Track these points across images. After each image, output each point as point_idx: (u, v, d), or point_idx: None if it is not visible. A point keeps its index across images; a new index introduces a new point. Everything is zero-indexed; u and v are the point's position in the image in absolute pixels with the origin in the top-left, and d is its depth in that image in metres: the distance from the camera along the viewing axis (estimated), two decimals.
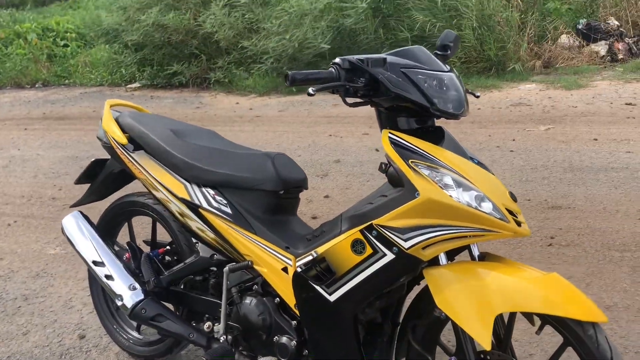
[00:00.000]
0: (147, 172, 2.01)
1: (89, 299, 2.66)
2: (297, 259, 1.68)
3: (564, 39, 8.05)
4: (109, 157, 2.23)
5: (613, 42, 7.85)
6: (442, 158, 1.48)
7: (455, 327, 1.49)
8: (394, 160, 1.51)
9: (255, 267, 1.80)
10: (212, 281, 2.00)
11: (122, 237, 2.40)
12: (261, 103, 7.47)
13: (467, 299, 1.41)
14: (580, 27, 8.12)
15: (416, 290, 1.65)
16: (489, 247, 2.62)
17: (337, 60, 1.49)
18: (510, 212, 1.45)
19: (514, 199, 1.50)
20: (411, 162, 1.47)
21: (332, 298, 1.59)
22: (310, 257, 1.62)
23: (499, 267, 1.46)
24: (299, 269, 1.65)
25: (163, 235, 2.26)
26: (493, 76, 7.38)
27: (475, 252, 1.54)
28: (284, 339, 1.74)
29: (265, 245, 1.77)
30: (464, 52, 7.51)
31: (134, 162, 2.05)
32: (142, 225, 2.96)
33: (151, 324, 2.03)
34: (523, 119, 5.65)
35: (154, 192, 2.02)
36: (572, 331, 1.36)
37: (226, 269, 1.81)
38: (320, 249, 1.60)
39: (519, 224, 1.46)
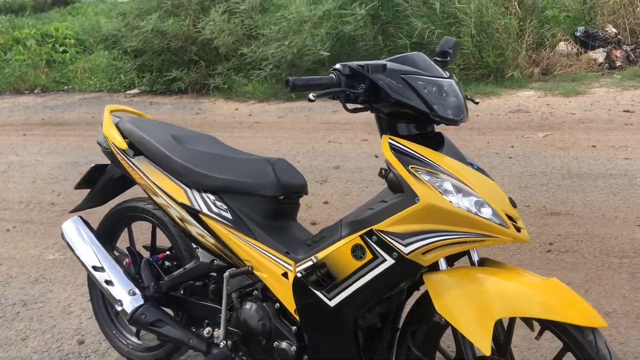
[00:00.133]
0: (147, 177, 2.01)
1: (88, 304, 2.66)
2: (297, 265, 1.68)
3: (562, 46, 8.09)
4: (109, 162, 2.23)
5: (611, 50, 7.90)
6: (441, 164, 1.48)
7: (455, 332, 1.49)
8: (394, 166, 1.51)
9: (255, 272, 1.80)
10: (212, 286, 2.00)
11: (122, 242, 2.40)
12: (260, 109, 7.48)
13: (467, 304, 1.41)
14: (578, 34, 8.17)
15: (416, 295, 1.66)
16: (488, 253, 2.62)
17: (338, 66, 1.50)
18: (510, 218, 1.46)
19: (514, 204, 1.51)
20: (411, 167, 1.48)
21: (332, 303, 1.59)
22: (310, 263, 1.62)
23: (498, 273, 1.47)
24: (299, 274, 1.65)
25: (163, 241, 2.26)
26: (492, 83, 7.41)
27: (475, 258, 1.54)
28: (284, 345, 1.74)
29: (265, 251, 1.78)
30: (463, 59, 7.54)
31: (134, 168, 2.05)
32: (141, 231, 2.96)
33: (151, 329, 2.02)
34: (522, 126, 5.67)
35: (154, 198, 2.02)
36: (571, 336, 1.37)
37: (226, 274, 1.81)
38: (321, 255, 1.61)
39: (518, 229, 1.46)
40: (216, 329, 1.92)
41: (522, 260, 3.00)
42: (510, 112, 6.20)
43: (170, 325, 2.00)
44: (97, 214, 2.38)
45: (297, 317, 1.71)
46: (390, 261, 1.48)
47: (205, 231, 1.89)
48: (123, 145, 2.08)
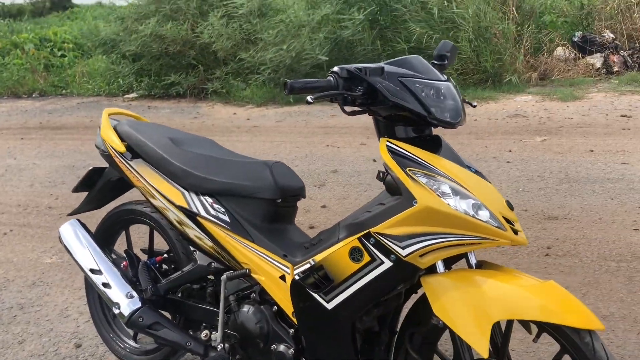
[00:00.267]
0: (145, 180, 2.01)
1: (85, 307, 2.65)
2: (295, 267, 1.68)
3: (559, 51, 8.12)
4: (107, 165, 2.23)
5: (608, 55, 7.93)
6: (439, 166, 1.49)
7: (453, 334, 1.49)
8: (392, 169, 1.51)
9: (253, 275, 1.80)
10: (209, 289, 2.00)
11: (120, 245, 2.39)
12: (259, 113, 7.49)
13: (465, 307, 1.41)
14: (575, 39, 8.20)
15: (414, 298, 1.66)
16: (486, 257, 2.62)
17: (336, 69, 1.50)
18: (508, 221, 1.46)
19: (511, 207, 1.51)
20: (409, 170, 1.48)
21: (329, 306, 1.59)
22: (308, 265, 1.62)
23: (496, 275, 1.47)
24: (296, 277, 1.65)
25: (161, 244, 2.26)
26: (489, 88, 7.43)
27: (473, 261, 1.54)
28: (282, 347, 1.74)
29: (263, 254, 1.78)
30: (461, 64, 7.56)
31: (132, 170, 2.05)
32: (139, 235, 2.96)
33: (148, 332, 2.02)
34: (519, 130, 5.68)
35: (152, 200, 2.02)
36: (569, 339, 1.37)
37: (224, 277, 1.81)
38: (318, 257, 1.61)
39: (515, 232, 1.47)
40: (214, 332, 1.92)
41: (519, 264, 3.00)
42: (508, 116, 6.22)
43: (167, 328, 2.00)
44: (95, 217, 2.38)
45: (294, 320, 1.71)
46: (387, 263, 1.48)
47: (203, 234, 1.89)
48: (121, 148, 2.08)
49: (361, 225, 1.54)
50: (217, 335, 1.86)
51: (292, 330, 1.74)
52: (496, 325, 1.54)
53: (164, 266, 2.22)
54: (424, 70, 1.56)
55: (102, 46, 9.67)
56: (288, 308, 1.72)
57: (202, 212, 1.87)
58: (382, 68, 1.51)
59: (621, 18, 8.37)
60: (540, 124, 5.82)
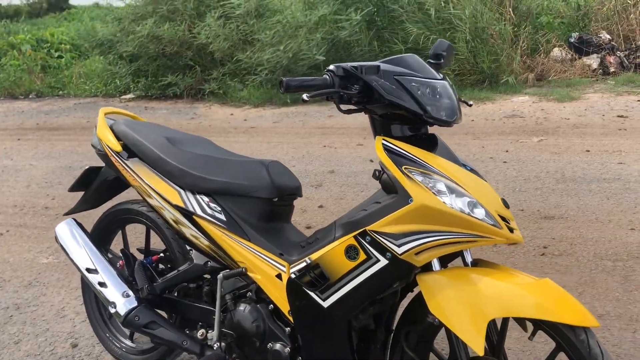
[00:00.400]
0: (142, 179, 2.01)
1: (81, 307, 2.65)
2: (291, 266, 1.68)
3: (556, 52, 8.14)
4: (103, 164, 2.23)
5: (605, 56, 7.95)
6: (435, 165, 1.49)
7: (449, 332, 1.49)
8: (388, 167, 1.52)
9: (249, 274, 1.80)
10: (205, 288, 2.00)
11: (117, 245, 2.39)
12: (256, 114, 7.49)
13: (460, 305, 1.41)
14: (572, 40, 8.22)
15: (410, 297, 1.66)
16: (482, 256, 2.62)
17: (332, 67, 1.51)
18: (503, 219, 1.47)
19: (507, 205, 1.51)
20: (404, 168, 1.48)
21: (325, 304, 1.59)
22: (304, 264, 1.62)
23: (491, 273, 1.47)
24: (292, 276, 1.65)
25: (158, 244, 2.26)
26: (486, 88, 7.44)
27: (468, 259, 1.54)
28: (278, 346, 1.74)
29: (259, 252, 1.78)
30: (458, 65, 7.58)
31: (128, 170, 2.05)
32: (136, 235, 2.96)
33: (144, 331, 2.02)
34: (516, 131, 5.69)
35: (148, 200, 2.02)
36: (564, 336, 1.37)
37: (220, 275, 1.81)
38: (314, 256, 1.61)
39: (511, 230, 1.47)
40: (210, 331, 1.92)
41: (516, 263, 3.01)
42: (505, 117, 6.23)
43: (163, 327, 2.00)
44: (92, 216, 2.38)
45: (291, 319, 1.71)
46: (383, 261, 1.48)
47: (199, 233, 1.89)
48: (117, 147, 2.08)
49: (357, 223, 1.54)
50: (213, 334, 1.86)
51: (288, 328, 1.74)
52: (492, 323, 1.55)
53: (160, 265, 2.21)
54: (420, 69, 1.56)
55: (99, 47, 9.67)
56: (284, 307, 1.72)
57: (199, 211, 1.87)
58: (378, 66, 1.51)
59: (617, 19, 8.40)
60: (537, 125, 5.83)
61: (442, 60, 1.74)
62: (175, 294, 2.09)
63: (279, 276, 1.72)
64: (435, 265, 1.50)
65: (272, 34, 7.88)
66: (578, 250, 3.12)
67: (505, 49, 7.61)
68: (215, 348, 1.85)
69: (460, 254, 1.54)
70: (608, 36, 8.27)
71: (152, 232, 2.25)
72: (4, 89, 10.42)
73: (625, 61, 7.93)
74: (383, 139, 1.55)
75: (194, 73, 8.74)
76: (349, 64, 1.51)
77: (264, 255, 1.77)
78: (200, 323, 1.99)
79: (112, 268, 2.13)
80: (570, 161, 4.61)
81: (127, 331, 2.37)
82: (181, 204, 1.90)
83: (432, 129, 1.62)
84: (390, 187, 1.52)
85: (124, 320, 2.02)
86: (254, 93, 8.07)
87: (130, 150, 2.07)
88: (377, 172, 1.60)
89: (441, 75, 1.58)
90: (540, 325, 1.42)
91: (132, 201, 2.26)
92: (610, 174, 4.23)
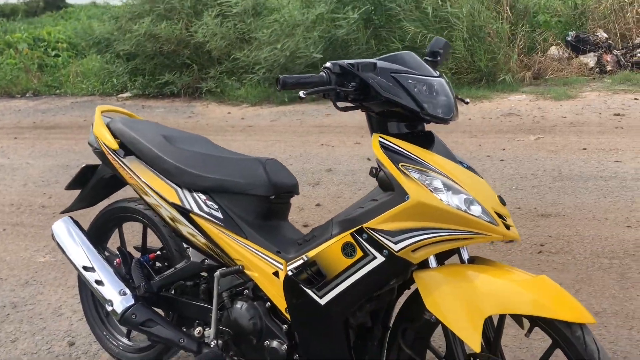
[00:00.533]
0: (138, 177, 2.01)
1: (78, 306, 2.65)
2: (288, 263, 1.68)
3: (553, 50, 8.15)
4: (100, 162, 2.23)
5: (602, 54, 7.96)
6: (431, 162, 1.49)
7: (445, 329, 1.50)
8: (384, 164, 1.52)
9: (246, 271, 1.80)
10: (202, 286, 2.00)
11: (114, 244, 2.39)
12: (253, 113, 7.48)
13: (457, 302, 1.41)
14: (569, 39, 8.23)
15: (407, 294, 1.66)
16: (479, 254, 2.63)
17: (328, 64, 1.51)
18: (500, 216, 1.47)
19: (503, 202, 1.51)
20: (401, 165, 1.48)
21: (322, 301, 1.59)
22: (301, 261, 1.62)
23: (488, 270, 1.47)
24: (289, 273, 1.65)
25: (155, 242, 2.26)
26: (483, 87, 7.45)
27: (465, 256, 1.55)
28: (275, 343, 1.74)
29: (256, 250, 1.78)
30: (455, 63, 7.58)
31: (125, 168, 2.05)
32: (133, 233, 2.96)
33: (141, 329, 2.02)
34: (513, 129, 5.69)
35: (145, 198, 2.02)
36: (560, 333, 1.37)
37: (217, 273, 1.81)
38: (311, 253, 1.61)
39: (507, 227, 1.47)
40: (207, 329, 1.92)
41: (513, 261, 3.01)
42: (502, 115, 6.23)
43: (160, 325, 1.99)
44: (90, 215, 2.37)
45: (287, 316, 1.71)
46: (380, 259, 1.49)
47: (196, 231, 1.88)
48: (114, 145, 2.07)
49: (354, 221, 1.54)
50: (210, 332, 1.86)
51: (285, 326, 1.74)
52: (488, 320, 1.55)
53: (158, 264, 2.21)
54: (416, 66, 1.56)
55: (96, 45, 9.65)
56: (281, 304, 1.72)
57: (195, 209, 1.87)
58: (375, 64, 1.51)
59: (614, 18, 8.41)
60: (534, 123, 5.84)
61: (439, 58, 1.73)
62: (173, 292, 2.09)
63: (276, 274, 1.72)
64: (432, 262, 1.50)
65: (270, 32, 7.87)
66: (575, 248, 3.12)
67: (502, 48, 7.61)
68: (212, 346, 1.85)
69: (456, 251, 1.55)
70: (605, 35, 8.28)
71: (149, 231, 2.25)
72: (0, 88, 10.40)
73: (622, 59, 7.94)
74: (380, 137, 1.55)
75: (191, 72, 8.73)
76: (345, 61, 1.51)
77: (261, 252, 1.76)
78: (197, 321, 1.99)
79: (109, 266, 2.13)
80: (567, 159, 4.61)
81: (124, 329, 2.37)
82: (178, 202, 1.90)
83: (429, 127, 1.62)
84: (387, 184, 1.52)
85: (121, 318, 2.02)
86: (251, 92, 8.06)
87: (127, 148, 2.06)
88: (374, 170, 1.60)
89: (438, 73, 1.58)
90: (536, 322, 1.42)
91: (129, 199, 2.26)
92: (607, 172, 4.24)
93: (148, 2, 9.03)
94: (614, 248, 3.09)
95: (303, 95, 1.43)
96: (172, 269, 2.06)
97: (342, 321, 1.61)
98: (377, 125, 1.58)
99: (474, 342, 1.38)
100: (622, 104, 6.26)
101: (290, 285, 1.66)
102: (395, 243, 1.46)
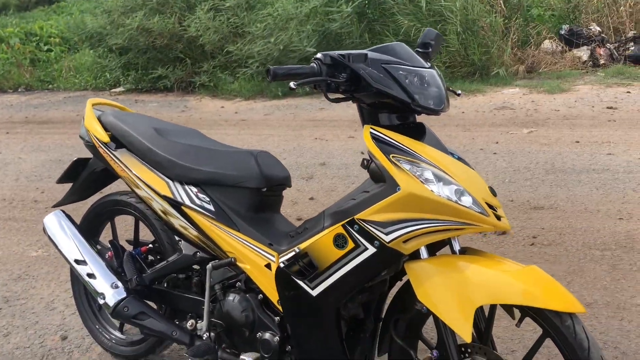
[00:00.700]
0: (130, 170, 2.00)
1: (71, 300, 2.64)
2: (280, 256, 1.68)
3: (547, 44, 8.16)
4: (92, 156, 2.22)
5: (595, 48, 7.97)
6: (422, 153, 1.49)
7: (436, 320, 1.50)
8: (375, 155, 1.52)
9: (238, 264, 1.79)
10: (195, 279, 2.00)
11: (107, 237, 2.38)
12: (247, 107, 7.47)
13: (448, 292, 1.42)
14: (562, 32, 8.23)
15: (399, 286, 1.66)
16: (472, 246, 2.64)
17: (319, 55, 1.50)
18: (490, 207, 1.47)
19: (494, 193, 1.52)
20: (392, 156, 1.48)
21: (314, 292, 1.59)
22: (293, 253, 1.62)
23: (479, 261, 1.48)
24: (281, 265, 1.65)
25: (148, 236, 2.25)
26: (477, 81, 7.45)
27: (456, 247, 1.55)
28: (267, 335, 1.74)
29: (248, 242, 1.77)
30: (449, 57, 7.58)
31: (117, 161, 2.04)
32: (126, 227, 2.95)
33: (133, 322, 2.01)
34: (506, 122, 5.70)
35: (137, 191, 2.01)
36: (550, 322, 1.38)
37: (209, 266, 1.81)
38: (303, 245, 1.61)
39: (498, 217, 1.47)
40: (199, 321, 1.92)
41: (505, 253, 3.02)
42: (496, 109, 6.24)
43: (153, 318, 1.99)
44: (82, 209, 2.36)
45: (280, 308, 1.71)
46: (371, 250, 1.49)
47: (187, 223, 1.88)
48: (105, 138, 2.06)
49: (345, 212, 1.55)
50: (202, 324, 1.86)
51: (278, 318, 1.74)
52: (480, 310, 1.56)
53: (150, 257, 2.21)
54: (407, 58, 1.56)
55: (88, 40, 9.58)
56: (273, 296, 1.72)
57: (187, 202, 1.87)
58: (366, 55, 1.51)
59: (608, 11, 8.42)
60: (527, 116, 5.85)
61: (430, 49, 1.73)
62: (165, 285, 2.09)
63: (268, 266, 1.72)
64: (423, 253, 1.51)
65: (263, 26, 7.84)
66: (567, 240, 3.14)
67: (496, 41, 7.61)
68: (204, 338, 1.85)
69: (448, 242, 1.55)
70: (598, 28, 8.29)
71: (142, 224, 2.24)
72: None
73: (615, 53, 7.96)
74: (371, 128, 1.55)
75: (185, 66, 8.69)
76: (336, 52, 1.50)
77: (253, 245, 1.76)
78: (189, 314, 1.99)
79: (100, 259, 2.12)
80: (560, 152, 4.63)
81: (116, 323, 2.37)
82: (169, 195, 1.90)
83: (420, 118, 1.62)
84: (379, 176, 1.52)
85: (113, 311, 2.02)
86: (244, 85, 8.04)
87: (118, 141, 2.06)
88: (365, 162, 1.60)
89: (429, 64, 1.58)
90: (527, 312, 1.42)
91: (121, 192, 2.25)
92: (600, 165, 4.26)
93: None
94: (606, 240, 3.11)
95: (293, 86, 1.42)
96: (164, 261, 2.05)
97: (334, 312, 1.62)
98: (369, 116, 1.58)
99: (465, 333, 1.38)
100: (614, 97, 6.28)
101: (282, 277, 1.66)
102: (387, 234, 1.46)
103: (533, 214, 3.51)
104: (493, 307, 1.51)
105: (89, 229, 2.30)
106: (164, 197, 1.91)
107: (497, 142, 5.02)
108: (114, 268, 2.13)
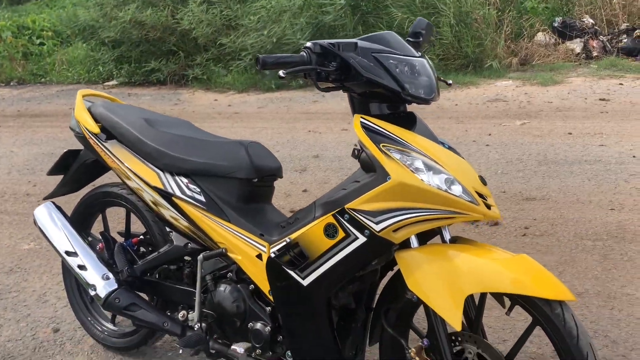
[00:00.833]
0: (120, 161, 1.99)
1: (63, 293, 2.64)
2: (271, 246, 1.68)
3: (540, 36, 8.16)
4: (82, 147, 2.21)
5: (588, 40, 7.98)
6: (413, 142, 1.49)
7: (427, 309, 1.50)
8: (366, 145, 1.52)
9: (230, 254, 1.79)
10: (186, 270, 2.00)
11: (100, 230, 2.37)
12: (240, 100, 7.45)
13: (438, 281, 1.42)
14: (556, 25, 8.24)
15: (390, 276, 1.66)
16: (463, 236, 2.64)
17: (309, 44, 1.49)
18: (481, 196, 1.47)
19: (484, 182, 1.52)
20: (382, 146, 1.48)
21: (305, 282, 1.59)
22: (284, 243, 1.62)
23: (469, 249, 1.48)
24: (272, 255, 1.65)
25: (141, 229, 2.24)
26: (470, 73, 7.45)
27: (447, 237, 1.55)
28: (259, 325, 1.74)
29: (239, 233, 1.77)
30: (442, 49, 7.57)
31: (107, 152, 2.03)
32: (118, 220, 2.94)
33: (125, 313, 2.01)
34: (499, 115, 5.71)
35: (127, 182, 2.01)
36: (540, 310, 1.38)
37: (200, 256, 1.81)
38: (294, 235, 1.61)
39: (488, 206, 1.48)
40: (191, 312, 1.92)
41: (497, 243, 3.03)
42: (489, 101, 6.25)
43: (144, 309, 1.99)
44: (73, 202, 2.35)
45: (271, 298, 1.71)
46: (362, 239, 1.49)
47: (178, 214, 1.88)
48: (95, 129, 2.05)
49: (336, 202, 1.54)
50: (194, 315, 1.86)
51: (269, 308, 1.75)
52: (470, 299, 1.56)
53: (142, 248, 2.20)
54: (398, 47, 1.55)
55: (81, 33, 9.52)
56: (264, 286, 1.72)
57: (178, 193, 1.86)
58: (356, 43, 1.50)
59: (601, 4, 8.42)
60: (520, 108, 5.86)
61: (421, 39, 1.73)
62: (156, 276, 2.08)
63: (259, 256, 1.72)
64: (414, 242, 1.51)
65: (256, 18, 7.81)
66: (559, 231, 3.15)
67: (489, 34, 7.61)
68: (196, 329, 1.85)
69: (438, 232, 1.55)
70: (591, 20, 8.30)
71: (133, 216, 2.23)
72: None
73: (608, 45, 7.97)
74: (361, 117, 1.54)
75: (178, 59, 8.65)
76: (326, 41, 1.50)
77: (244, 235, 1.76)
78: (181, 305, 1.99)
79: (91, 251, 2.12)
80: (553, 143, 4.64)
81: (108, 314, 2.37)
82: (160, 186, 1.89)
83: (411, 107, 1.62)
84: (369, 165, 1.52)
85: (104, 302, 2.01)
86: (238, 78, 8.01)
87: (108, 132, 2.05)
88: (356, 151, 1.60)
89: (419, 53, 1.58)
90: (517, 300, 1.43)
91: (112, 184, 2.24)
92: (592, 156, 4.27)
93: None
94: (598, 230, 3.12)
95: (282, 75, 1.41)
96: (156, 253, 2.05)
97: (325, 302, 1.62)
98: (359, 106, 1.58)
99: (455, 321, 1.38)
100: (607, 89, 6.30)
101: (273, 267, 1.66)
102: (377, 223, 1.46)
103: (525, 205, 3.52)
104: (483, 296, 1.52)
105: (80, 221, 2.29)
106: (155, 188, 1.90)
107: (489, 134, 5.03)
108: (105, 260, 2.12)
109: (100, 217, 2.37)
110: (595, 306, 2.41)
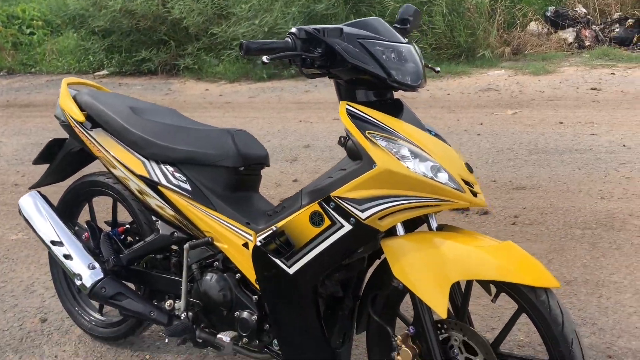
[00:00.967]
0: (106, 150, 1.97)
1: (51, 283, 2.61)
2: (258, 234, 1.66)
3: (532, 26, 8.15)
4: (68, 136, 2.19)
5: (580, 29, 7.98)
6: (399, 129, 1.48)
7: (413, 296, 1.50)
8: (351, 132, 1.50)
9: (216, 243, 1.78)
10: (173, 259, 1.98)
11: (86, 218, 2.35)
12: (231, 89, 7.41)
13: (424, 268, 1.41)
14: (548, 14, 8.23)
15: (377, 264, 1.65)
16: (452, 224, 2.64)
17: (293, 29, 1.47)
18: (467, 183, 1.46)
19: (470, 169, 1.51)
20: (368, 133, 1.47)
21: (291, 271, 1.58)
22: (270, 232, 1.61)
23: (455, 237, 1.47)
24: (258, 243, 1.64)
25: (128, 218, 2.22)
26: (463, 62, 7.44)
27: (434, 225, 1.54)
28: (245, 314, 1.73)
29: (226, 222, 1.76)
30: (435, 39, 7.56)
31: (92, 140, 2.01)
32: (107, 210, 2.92)
33: (111, 302, 2.00)
34: (491, 104, 5.71)
35: (113, 171, 1.99)
36: (525, 297, 1.38)
37: (186, 245, 1.80)
38: (280, 223, 1.59)
39: (475, 194, 1.47)
40: (177, 301, 1.91)
41: (487, 232, 3.03)
42: (481, 90, 6.24)
43: (130, 299, 1.98)
44: (60, 193, 2.33)
45: (257, 287, 1.70)
46: (347, 227, 1.48)
47: (164, 203, 1.86)
48: (80, 117, 2.03)
49: (322, 190, 1.53)
50: (180, 304, 1.85)
51: (256, 297, 1.74)
52: (456, 286, 1.56)
53: (128, 238, 2.19)
54: (385, 33, 1.53)
55: (71, 22, 9.43)
56: (251, 275, 1.71)
57: (163, 181, 1.84)
58: (341, 29, 1.48)
59: None
60: (511, 98, 5.86)
61: (409, 25, 1.71)
62: (143, 266, 2.07)
63: (245, 245, 1.70)
64: (400, 230, 1.50)
65: (248, 7, 7.76)
66: (548, 219, 3.15)
67: (482, 23, 7.59)
68: (182, 318, 1.84)
69: (425, 220, 1.54)
70: (584, 10, 8.30)
71: (121, 207, 2.21)
72: None
73: (600, 35, 7.98)
74: (347, 104, 1.53)
75: (169, 48, 8.59)
76: (311, 27, 1.48)
77: (230, 224, 1.75)
78: (167, 294, 1.98)
79: (77, 240, 2.10)
80: (544, 133, 4.64)
81: (96, 305, 2.35)
82: (145, 174, 1.87)
83: (397, 94, 1.61)
84: (355, 153, 1.51)
85: (90, 292, 2.00)
86: (229, 68, 7.97)
87: (94, 121, 2.02)
88: (342, 139, 1.59)
89: (406, 39, 1.56)
90: (502, 287, 1.42)
91: (98, 173, 2.22)
92: (582, 145, 4.28)
93: None
94: (587, 219, 3.13)
95: (266, 61, 1.40)
96: (142, 242, 2.03)
97: (312, 291, 1.61)
98: (345, 93, 1.56)
99: (440, 309, 1.38)
100: (599, 78, 6.30)
101: (259, 256, 1.65)
102: (362, 211, 1.45)
103: (515, 194, 3.53)
104: (469, 283, 1.51)
105: (66, 210, 2.27)
106: (140, 177, 1.88)
107: (481, 124, 5.03)
108: (90, 249, 2.10)
109: (87, 207, 2.36)
110: (584, 294, 2.42)
